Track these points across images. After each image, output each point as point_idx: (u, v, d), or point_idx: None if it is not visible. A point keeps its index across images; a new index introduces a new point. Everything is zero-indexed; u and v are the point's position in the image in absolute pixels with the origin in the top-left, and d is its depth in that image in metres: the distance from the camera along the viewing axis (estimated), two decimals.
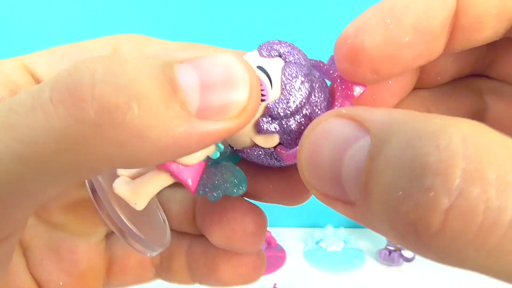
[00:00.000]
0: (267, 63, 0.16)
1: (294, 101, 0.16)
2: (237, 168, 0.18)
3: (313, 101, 0.16)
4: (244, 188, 0.17)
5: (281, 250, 0.73)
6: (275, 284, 0.62)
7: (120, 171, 0.17)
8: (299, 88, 0.16)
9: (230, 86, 0.13)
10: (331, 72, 0.17)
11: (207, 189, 0.17)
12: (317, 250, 0.73)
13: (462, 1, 0.15)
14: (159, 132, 0.12)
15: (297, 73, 0.16)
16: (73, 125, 0.11)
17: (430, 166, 0.09)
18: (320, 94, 0.16)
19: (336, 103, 0.16)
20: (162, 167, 0.17)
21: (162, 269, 0.22)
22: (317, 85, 0.16)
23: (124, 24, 0.70)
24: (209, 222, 0.20)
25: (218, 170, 0.17)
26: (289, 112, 0.16)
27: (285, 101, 0.16)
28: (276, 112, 0.16)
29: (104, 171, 0.14)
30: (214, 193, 0.17)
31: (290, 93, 0.16)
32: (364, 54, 0.15)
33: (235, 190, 0.17)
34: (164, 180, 0.17)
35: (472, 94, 0.19)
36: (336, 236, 0.75)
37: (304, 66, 0.16)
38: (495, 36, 0.16)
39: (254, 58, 0.16)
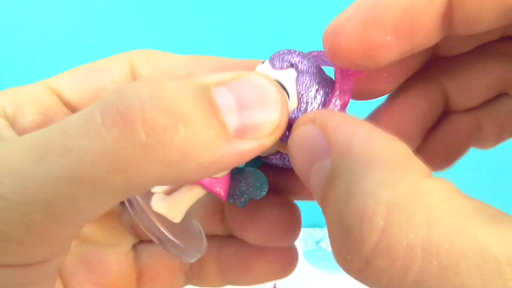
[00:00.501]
0: (281, 76, 0.17)
1: (312, 109, 0.17)
2: (258, 171, 0.19)
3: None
4: (265, 190, 0.19)
5: None
6: (275, 284, 0.62)
7: (154, 188, 0.18)
8: (315, 96, 0.17)
9: (264, 106, 0.14)
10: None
11: (235, 196, 0.19)
12: (317, 250, 0.73)
13: None
14: (203, 152, 0.13)
15: (311, 82, 0.17)
16: (126, 146, 0.12)
17: (352, 232, 0.11)
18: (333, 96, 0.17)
19: (334, 98, 0.17)
20: (195, 182, 0.18)
21: (193, 274, 0.23)
22: (330, 89, 0.17)
23: (131, 31, 0.70)
24: (243, 221, 0.20)
25: (242, 177, 0.19)
26: None
27: (303, 111, 0.17)
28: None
29: (150, 188, 0.14)
30: (241, 199, 0.19)
31: (307, 102, 0.17)
32: (342, 54, 0.15)
33: (258, 192, 0.19)
34: (198, 194, 0.18)
35: (502, 58, 0.18)
36: None
37: (316, 74, 0.17)
38: (501, 23, 0.15)
39: (268, 70, 0.17)
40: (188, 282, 0.23)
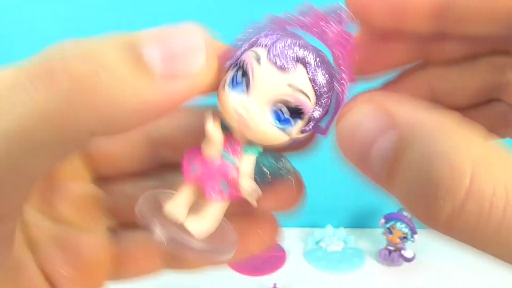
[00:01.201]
0: (296, 80, 0.17)
1: (326, 98, 0.18)
2: (268, 155, 0.19)
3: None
4: (289, 163, 0.19)
5: (281, 250, 0.73)
6: (275, 284, 0.62)
7: (187, 225, 0.19)
8: (329, 87, 0.17)
9: (189, 52, 0.15)
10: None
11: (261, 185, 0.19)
12: (317, 250, 0.73)
13: None
14: (129, 95, 0.14)
15: (321, 74, 0.17)
16: (52, 98, 0.13)
17: (444, 181, 0.12)
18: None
19: (346, 81, 0.17)
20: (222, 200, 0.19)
21: (172, 256, 0.23)
22: (334, 70, 0.18)
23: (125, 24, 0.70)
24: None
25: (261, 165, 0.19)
26: (324, 111, 0.18)
27: (321, 106, 0.18)
28: (316, 118, 0.18)
29: (86, 139, 0.15)
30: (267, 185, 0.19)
31: (322, 96, 0.17)
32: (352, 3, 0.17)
33: (283, 173, 0.19)
34: (224, 206, 0.19)
35: (491, 70, 0.19)
36: (336, 236, 0.75)
37: (320, 60, 0.17)
38: (487, 33, 0.17)
39: (274, 73, 0.17)
40: (166, 265, 0.23)
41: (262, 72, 0.17)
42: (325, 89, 0.17)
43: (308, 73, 0.17)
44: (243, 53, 0.17)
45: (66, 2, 0.69)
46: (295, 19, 0.18)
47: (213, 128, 0.18)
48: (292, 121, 0.17)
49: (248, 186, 0.18)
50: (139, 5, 0.69)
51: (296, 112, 0.17)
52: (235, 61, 0.17)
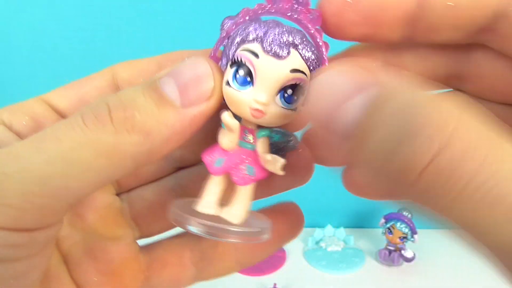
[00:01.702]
0: (294, 64, 0.18)
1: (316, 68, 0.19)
2: (275, 131, 0.21)
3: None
4: (294, 136, 0.21)
5: (281, 250, 0.73)
6: (275, 284, 0.62)
7: (224, 216, 0.20)
8: (314, 59, 0.19)
9: (200, 80, 0.18)
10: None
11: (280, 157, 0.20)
12: (317, 250, 0.73)
13: (420, 7, 0.18)
14: (160, 127, 0.17)
15: (310, 53, 0.19)
16: (102, 136, 0.16)
17: (433, 122, 0.12)
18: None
19: (325, 53, 0.19)
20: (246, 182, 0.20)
21: (204, 261, 0.24)
22: (313, 45, 0.19)
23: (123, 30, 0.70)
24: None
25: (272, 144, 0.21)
26: None
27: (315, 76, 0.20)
28: None
29: (130, 167, 0.18)
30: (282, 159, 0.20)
31: (314, 68, 0.19)
32: (325, 14, 0.19)
33: (293, 145, 0.21)
34: (251, 189, 0.21)
35: (453, 59, 0.21)
36: (336, 236, 0.75)
37: (307, 41, 0.19)
38: (454, 40, 0.19)
39: (272, 63, 0.18)
40: (199, 273, 0.24)
41: (262, 64, 0.18)
42: (315, 61, 0.19)
43: (300, 54, 0.18)
44: (236, 50, 0.19)
45: (66, 2, 0.69)
46: (268, 7, 0.19)
47: (230, 117, 0.19)
48: (295, 98, 0.19)
49: (270, 157, 0.20)
50: (139, 5, 0.69)
51: (295, 89, 0.19)
52: (231, 59, 0.19)
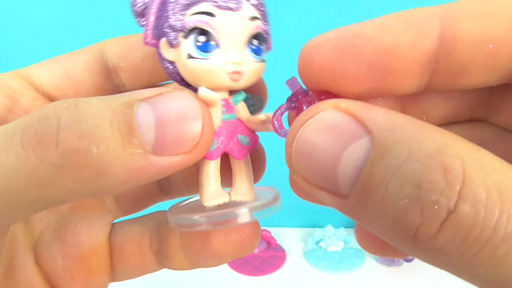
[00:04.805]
0: (250, 11, 0.18)
1: (263, 10, 0.19)
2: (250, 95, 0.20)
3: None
4: (258, 97, 0.21)
5: (281, 250, 0.73)
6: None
7: (234, 198, 0.19)
8: (259, 2, 0.19)
9: (184, 121, 0.15)
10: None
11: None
12: (317, 250, 0.73)
13: (445, 46, 0.14)
14: (117, 169, 0.14)
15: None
16: (40, 166, 0.13)
17: (437, 184, 0.11)
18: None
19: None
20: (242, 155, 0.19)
21: (161, 254, 0.23)
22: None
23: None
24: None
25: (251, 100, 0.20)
26: None
27: (265, 20, 0.19)
28: (269, 32, 0.19)
29: (70, 202, 0.15)
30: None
31: (263, 11, 0.19)
32: (313, 72, 0.15)
33: (264, 103, 0.21)
34: (249, 162, 0.20)
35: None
36: (336, 236, 0.75)
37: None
38: (486, 83, 0.15)
39: (234, 17, 0.17)
40: (160, 265, 0.23)
41: (221, 21, 0.17)
42: (261, 5, 0.18)
43: (249, 1, 0.17)
44: (183, 18, 0.17)
45: (66, 2, 0.69)
46: None
47: (206, 90, 0.17)
48: (261, 47, 0.18)
49: (265, 117, 0.19)
50: None
51: (259, 38, 0.18)
52: (181, 29, 0.17)
